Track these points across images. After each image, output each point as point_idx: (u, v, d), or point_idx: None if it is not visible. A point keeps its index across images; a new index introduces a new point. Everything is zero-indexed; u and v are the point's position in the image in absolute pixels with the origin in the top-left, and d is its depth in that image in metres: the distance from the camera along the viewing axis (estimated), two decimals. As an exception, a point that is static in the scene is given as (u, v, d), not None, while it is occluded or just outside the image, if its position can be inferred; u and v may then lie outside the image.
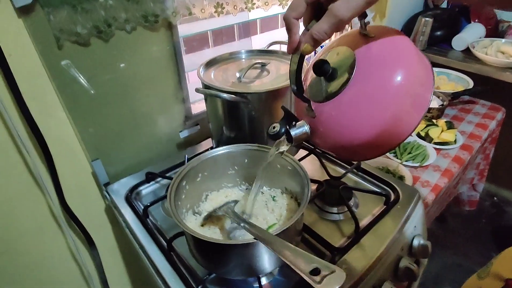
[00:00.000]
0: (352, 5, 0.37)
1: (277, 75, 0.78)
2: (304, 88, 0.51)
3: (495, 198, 2.03)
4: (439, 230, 1.86)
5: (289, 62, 0.58)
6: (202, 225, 0.62)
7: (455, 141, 1.10)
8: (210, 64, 0.82)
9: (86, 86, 0.76)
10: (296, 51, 0.44)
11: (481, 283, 0.51)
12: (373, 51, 0.45)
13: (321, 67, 0.46)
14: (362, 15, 0.45)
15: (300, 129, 0.50)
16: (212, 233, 0.60)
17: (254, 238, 0.46)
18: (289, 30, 0.43)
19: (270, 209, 0.64)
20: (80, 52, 0.72)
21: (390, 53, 0.44)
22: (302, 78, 0.49)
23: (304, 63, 0.48)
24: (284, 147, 0.55)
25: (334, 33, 0.43)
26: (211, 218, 0.63)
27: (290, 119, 0.51)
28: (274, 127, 0.52)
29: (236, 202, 0.64)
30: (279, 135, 0.52)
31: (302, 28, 0.44)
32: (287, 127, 0.51)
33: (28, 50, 0.67)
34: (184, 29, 0.96)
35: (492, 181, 1.97)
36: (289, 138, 0.51)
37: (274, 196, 0.67)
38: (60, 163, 0.77)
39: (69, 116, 0.76)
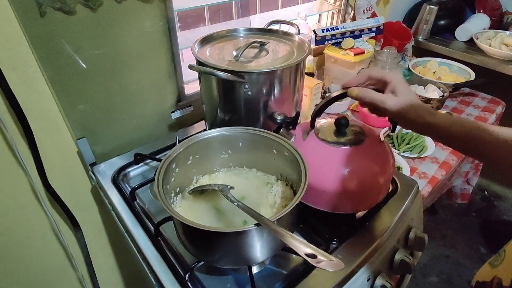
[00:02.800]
0: (399, 104, 0.49)
1: (277, 55, 0.74)
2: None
3: (486, 193, 2.05)
4: (429, 221, 1.88)
5: (290, 43, 0.74)
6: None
7: (454, 133, 1.08)
8: (205, 40, 0.77)
9: (72, 58, 0.70)
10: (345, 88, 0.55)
11: (495, 271, 0.50)
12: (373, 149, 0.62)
13: (342, 121, 0.62)
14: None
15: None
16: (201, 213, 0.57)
17: (256, 224, 0.44)
18: (355, 78, 0.54)
19: (264, 196, 0.61)
20: (65, 21, 0.67)
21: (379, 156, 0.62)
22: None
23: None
24: None
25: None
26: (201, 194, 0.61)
27: (290, 123, 0.66)
28: (279, 114, 0.67)
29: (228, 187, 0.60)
30: (276, 122, 0.65)
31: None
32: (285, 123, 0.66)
33: (6, 15, 0.61)
34: (179, 3, 0.90)
35: (484, 176, 1.97)
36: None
37: (268, 183, 0.64)
38: (42, 140, 0.73)
39: (52, 91, 0.71)
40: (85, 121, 0.79)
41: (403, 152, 0.99)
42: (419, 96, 1.14)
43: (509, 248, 0.51)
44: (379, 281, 0.61)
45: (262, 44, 0.76)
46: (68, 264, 0.94)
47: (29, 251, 0.84)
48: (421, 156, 0.98)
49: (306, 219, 0.65)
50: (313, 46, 1.18)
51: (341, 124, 0.61)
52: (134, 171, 0.82)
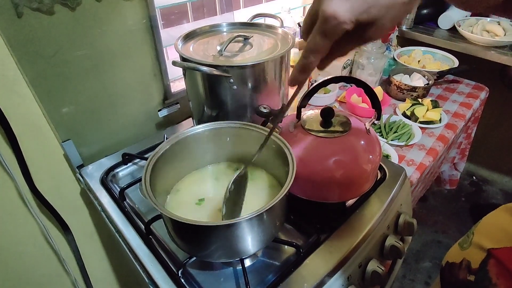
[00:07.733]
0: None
1: (261, 49, 0.73)
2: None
3: (474, 178, 2.09)
4: (420, 208, 1.91)
5: (273, 36, 0.71)
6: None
7: (440, 120, 1.09)
8: (189, 36, 0.77)
9: (53, 60, 0.69)
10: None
11: (464, 253, 0.51)
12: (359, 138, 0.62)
13: (328, 111, 0.61)
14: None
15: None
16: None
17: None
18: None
19: (253, 189, 0.61)
20: (44, 22, 0.65)
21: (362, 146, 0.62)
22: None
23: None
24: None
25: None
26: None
27: (277, 116, 0.64)
28: (265, 107, 0.63)
29: None
30: (263, 115, 0.63)
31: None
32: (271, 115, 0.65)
33: (-19, 17, 0.60)
34: (161, 0, 0.89)
35: (472, 161, 2.01)
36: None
37: (257, 175, 0.64)
38: (26, 144, 0.71)
39: (34, 93, 0.70)
40: (70, 123, 0.78)
41: (391, 140, 1.00)
42: (405, 85, 1.15)
43: (477, 230, 0.52)
44: (370, 267, 0.62)
45: (246, 38, 0.76)
46: (60, 268, 0.92)
47: (20, 258, 0.83)
48: (409, 144, 0.99)
49: (296, 210, 0.65)
50: (298, 39, 1.18)
51: (326, 114, 0.62)
52: (123, 171, 0.81)
